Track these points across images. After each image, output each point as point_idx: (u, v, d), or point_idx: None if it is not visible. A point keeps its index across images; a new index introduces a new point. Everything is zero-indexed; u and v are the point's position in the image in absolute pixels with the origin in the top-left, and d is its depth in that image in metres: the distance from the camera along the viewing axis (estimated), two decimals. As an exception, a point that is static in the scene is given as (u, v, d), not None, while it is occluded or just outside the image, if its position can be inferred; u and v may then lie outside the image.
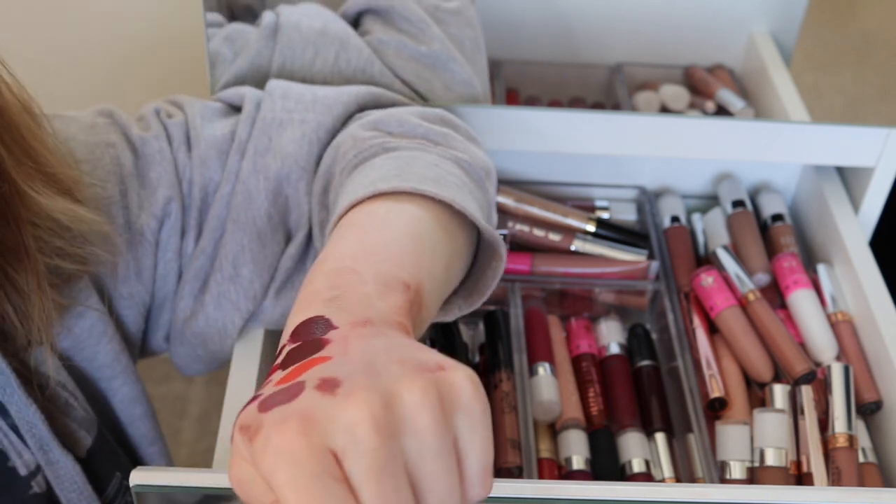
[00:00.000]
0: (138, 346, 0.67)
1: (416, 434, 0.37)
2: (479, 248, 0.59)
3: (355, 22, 0.76)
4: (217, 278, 0.63)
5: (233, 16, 0.78)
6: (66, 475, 0.58)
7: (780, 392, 0.70)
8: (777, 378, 0.72)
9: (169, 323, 0.66)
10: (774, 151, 0.79)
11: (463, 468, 0.39)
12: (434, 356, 0.41)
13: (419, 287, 0.48)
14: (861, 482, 0.66)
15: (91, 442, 0.61)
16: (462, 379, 0.40)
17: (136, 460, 0.67)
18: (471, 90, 0.74)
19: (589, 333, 0.77)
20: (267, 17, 0.73)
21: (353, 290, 0.45)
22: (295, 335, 0.43)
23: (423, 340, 0.73)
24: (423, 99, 0.72)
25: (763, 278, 0.79)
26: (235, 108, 0.67)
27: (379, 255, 0.48)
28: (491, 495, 0.57)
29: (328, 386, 0.37)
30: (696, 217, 0.86)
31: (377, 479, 0.36)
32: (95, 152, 0.61)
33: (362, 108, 0.66)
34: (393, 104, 0.67)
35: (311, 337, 0.42)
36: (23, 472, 0.57)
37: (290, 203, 0.63)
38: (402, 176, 0.54)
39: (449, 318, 0.59)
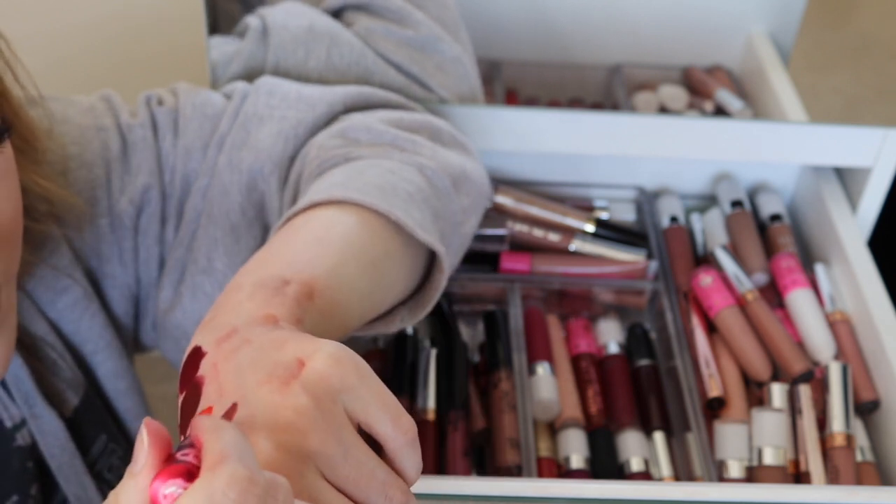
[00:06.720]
0: (130, 330, 0.68)
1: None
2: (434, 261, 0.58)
3: (336, 18, 0.76)
4: (192, 270, 0.63)
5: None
6: (50, 430, 0.60)
7: (778, 391, 0.70)
8: (775, 377, 0.72)
9: (154, 311, 0.67)
10: (772, 152, 0.79)
11: (378, 433, 0.41)
12: (292, 351, 0.41)
13: (309, 280, 0.47)
14: (859, 481, 0.66)
15: (78, 402, 0.62)
16: (324, 365, 0.40)
17: (124, 432, 0.68)
18: (462, 68, 0.73)
19: (588, 333, 0.77)
20: (252, 21, 0.72)
21: (228, 303, 0.46)
22: (181, 382, 0.43)
23: (422, 342, 0.73)
24: (418, 83, 0.72)
25: (761, 278, 0.79)
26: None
27: (268, 262, 0.48)
28: (491, 494, 0.58)
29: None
30: (694, 217, 0.86)
31: None
32: (87, 135, 0.62)
33: (350, 108, 0.65)
34: (384, 103, 0.67)
35: (190, 381, 0.42)
36: (8, 424, 0.59)
37: (265, 199, 0.63)
38: (346, 185, 0.54)
39: (391, 329, 0.58)
